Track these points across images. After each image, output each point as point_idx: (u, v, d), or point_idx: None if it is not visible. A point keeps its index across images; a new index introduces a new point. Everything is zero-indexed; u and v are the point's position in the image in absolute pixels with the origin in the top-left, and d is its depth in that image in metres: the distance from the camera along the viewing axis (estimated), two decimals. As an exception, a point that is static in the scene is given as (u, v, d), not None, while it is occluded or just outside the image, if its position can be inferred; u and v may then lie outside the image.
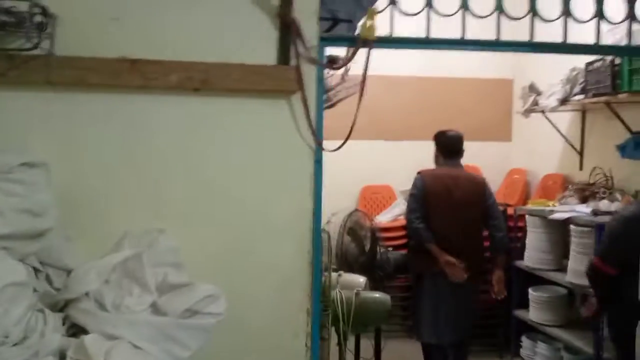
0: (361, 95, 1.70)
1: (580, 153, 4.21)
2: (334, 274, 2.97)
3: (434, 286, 3.35)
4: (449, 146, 3.52)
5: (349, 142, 5.26)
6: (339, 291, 2.62)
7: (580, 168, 4.20)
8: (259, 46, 1.64)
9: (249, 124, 1.65)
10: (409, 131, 4.55)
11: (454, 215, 3.31)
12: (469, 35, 1.82)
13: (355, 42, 1.70)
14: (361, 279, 2.99)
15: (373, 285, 3.41)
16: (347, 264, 3.52)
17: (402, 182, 4.49)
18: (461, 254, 3.25)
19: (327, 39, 1.70)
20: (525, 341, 3.91)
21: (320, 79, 1.73)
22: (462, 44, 1.86)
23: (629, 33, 1.97)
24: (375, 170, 4.92)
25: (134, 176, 1.61)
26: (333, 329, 2.59)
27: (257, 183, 1.67)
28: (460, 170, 3.54)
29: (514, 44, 1.95)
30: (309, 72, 1.67)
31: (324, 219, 3.96)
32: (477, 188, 3.46)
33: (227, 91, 1.61)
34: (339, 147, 1.72)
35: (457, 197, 3.34)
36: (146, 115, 1.60)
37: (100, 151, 1.60)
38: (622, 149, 3.70)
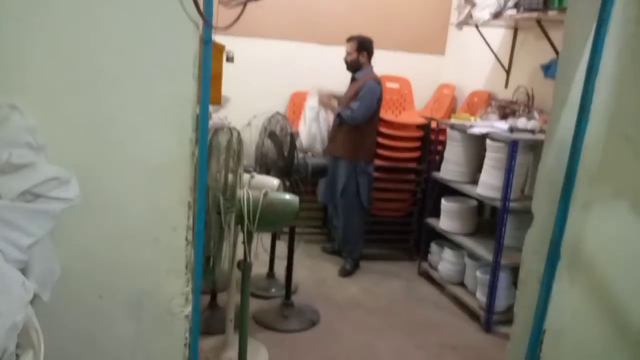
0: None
1: (508, 71, 4.13)
2: (246, 175, 2.84)
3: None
4: (372, 52, 3.90)
5: (278, 42, 4.92)
6: (247, 190, 2.49)
7: (506, 86, 4.14)
8: None
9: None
10: (343, 36, 4.27)
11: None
12: None
13: None
14: (275, 181, 2.87)
15: (290, 188, 3.33)
16: (266, 167, 3.38)
17: (334, 88, 4.30)
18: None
19: None
20: (433, 247, 4.02)
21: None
22: None
23: None
24: (306, 74, 4.67)
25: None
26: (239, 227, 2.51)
27: (131, 59, 1.42)
28: None
29: None
30: None
31: (245, 121, 3.78)
32: None
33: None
34: (230, 25, 1.49)
35: None
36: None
37: None
38: (546, 68, 3.63)
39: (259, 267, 3.63)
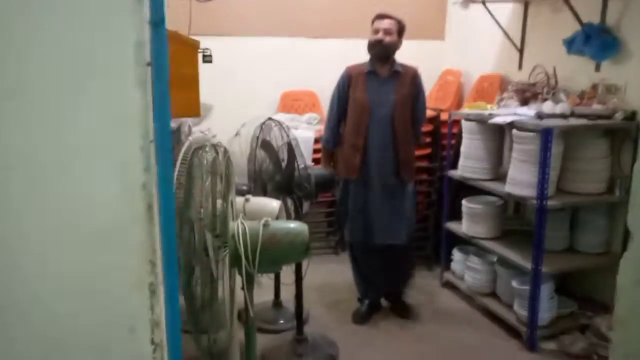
0: None
1: (520, 50, 3.54)
2: (239, 199, 2.22)
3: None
4: None
5: (261, 39, 4.22)
6: (242, 222, 1.87)
7: (520, 67, 3.55)
8: None
9: None
10: (334, 27, 3.66)
11: None
12: None
13: None
14: (274, 204, 2.25)
15: (293, 207, 2.72)
16: (262, 183, 2.76)
17: (327, 86, 3.69)
18: None
19: None
20: (456, 254, 3.43)
21: None
22: None
23: None
24: (296, 73, 4.06)
25: None
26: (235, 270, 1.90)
27: (24, 60, 0.80)
28: None
29: None
30: None
31: (233, 131, 3.15)
32: None
33: None
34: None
35: None
36: None
37: None
38: (570, 43, 3.04)
39: (263, 295, 3.01)
